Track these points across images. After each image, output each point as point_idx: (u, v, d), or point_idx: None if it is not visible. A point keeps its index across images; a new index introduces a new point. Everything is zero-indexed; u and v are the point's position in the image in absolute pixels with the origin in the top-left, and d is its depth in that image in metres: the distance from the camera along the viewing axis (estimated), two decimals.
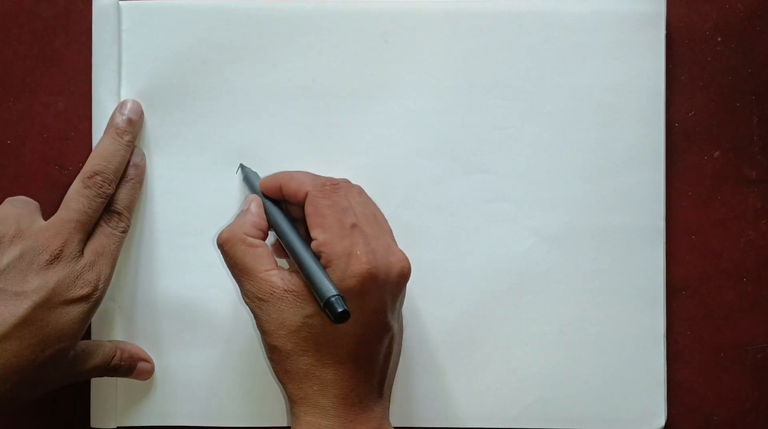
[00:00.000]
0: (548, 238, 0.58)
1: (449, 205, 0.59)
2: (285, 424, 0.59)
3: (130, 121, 0.57)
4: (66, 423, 0.60)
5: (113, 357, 0.56)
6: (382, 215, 0.54)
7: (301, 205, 0.52)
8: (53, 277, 0.51)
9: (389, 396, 0.53)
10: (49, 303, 0.50)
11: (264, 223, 0.54)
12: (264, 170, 0.58)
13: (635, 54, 0.58)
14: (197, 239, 0.58)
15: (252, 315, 0.52)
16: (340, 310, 0.47)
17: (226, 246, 0.52)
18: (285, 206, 0.55)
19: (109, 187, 0.55)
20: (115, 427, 0.59)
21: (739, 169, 0.60)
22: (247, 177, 0.57)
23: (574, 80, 0.58)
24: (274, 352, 0.51)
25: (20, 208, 0.53)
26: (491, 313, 0.59)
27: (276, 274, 0.51)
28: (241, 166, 0.58)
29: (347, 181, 0.54)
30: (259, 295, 0.50)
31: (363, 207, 0.52)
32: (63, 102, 0.60)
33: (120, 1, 0.58)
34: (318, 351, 0.50)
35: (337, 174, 0.56)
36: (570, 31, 0.58)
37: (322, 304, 0.48)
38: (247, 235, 0.52)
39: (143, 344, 0.59)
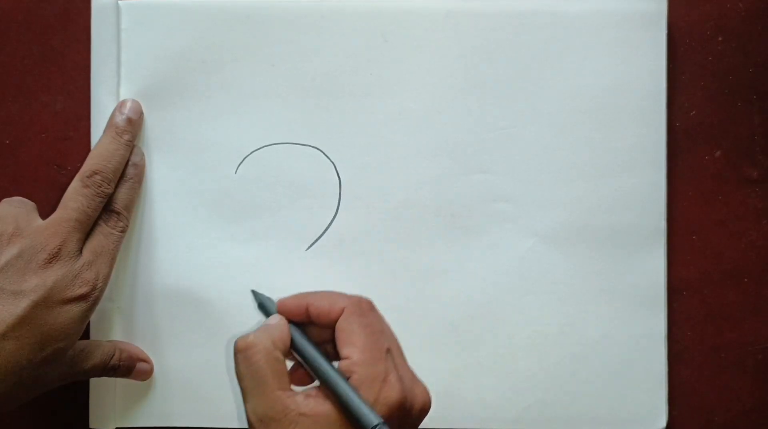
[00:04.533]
0: (548, 238, 0.58)
1: (449, 205, 0.58)
2: None
3: (129, 121, 0.57)
4: (64, 423, 0.60)
5: (112, 357, 0.56)
6: (399, 342, 0.52)
7: (329, 326, 0.50)
8: (51, 276, 0.50)
9: None
10: (47, 302, 0.50)
11: (288, 342, 0.50)
12: (267, 171, 0.58)
13: (636, 54, 0.58)
14: (196, 239, 0.58)
15: None
16: None
17: (248, 351, 0.48)
18: (306, 331, 0.52)
19: (108, 187, 0.54)
20: (113, 427, 0.59)
21: (741, 168, 0.59)
22: (263, 304, 0.54)
23: (575, 80, 0.58)
24: None
25: (18, 207, 0.53)
26: (491, 314, 0.58)
27: (291, 396, 0.47)
28: (253, 293, 0.55)
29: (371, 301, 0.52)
30: (270, 414, 0.47)
31: (390, 332, 0.51)
32: (62, 101, 0.59)
33: (119, 1, 0.58)
34: None
35: (337, 174, 0.56)
36: (570, 31, 0.58)
37: None
38: (274, 346, 0.49)
39: (142, 344, 0.58)
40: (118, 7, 0.58)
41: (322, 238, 0.58)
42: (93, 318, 0.57)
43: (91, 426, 0.59)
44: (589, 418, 0.58)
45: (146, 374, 0.58)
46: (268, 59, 0.58)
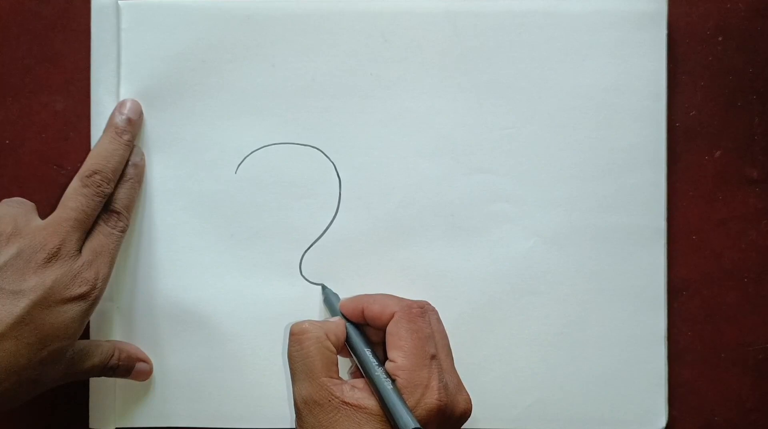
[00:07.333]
0: (548, 238, 0.58)
1: (449, 205, 0.58)
2: (283, 426, 0.58)
3: (129, 121, 0.57)
4: (64, 423, 0.60)
5: (111, 357, 0.56)
6: (450, 347, 0.54)
7: (382, 328, 0.53)
8: (51, 275, 0.50)
9: None
10: (46, 301, 0.50)
11: (342, 338, 0.53)
12: (267, 171, 0.58)
13: (636, 53, 0.58)
14: (196, 239, 0.58)
15: (297, 417, 0.51)
16: None
17: (301, 336, 0.52)
18: (364, 330, 0.55)
19: (108, 187, 0.54)
20: (113, 428, 0.59)
21: (741, 168, 0.59)
22: (328, 299, 0.57)
23: (575, 80, 0.58)
24: None
25: (17, 207, 0.53)
26: (491, 314, 0.58)
27: (337, 384, 0.50)
28: (323, 288, 0.58)
29: (428, 304, 0.54)
30: (315, 398, 0.50)
31: (441, 336, 0.53)
32: (62, 101, 0.59)
33: (119, 1, 0.58)
34: None
35: (337, 174, 0.56)
36: (571, 31, 0.58)
37: None
38: (327, 336, 0.52)
39: (142, 345, 0.58)
40: (118, 7, 0.58)
41: (322, 238, 0.58)
42: (93, 318, 0.57)
43: (91, 426, 0.59)
44: (589, 418, 0.58)
45: (146, 374, 0.58)
46: (268, 59, 0.58)
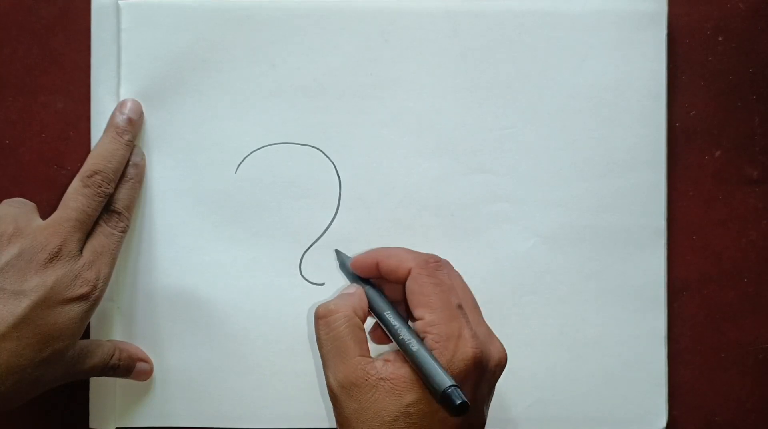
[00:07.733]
0: (548, 238, 0.58)
1: (449, 205, 0.58)
2: (284, 426, 0.58)
3: (130, 121, 0.57)
4: (64, 423, 0.60)
5: (112, 357, 0.56)
6: (475, 299, 0.53)
7: (400, 284, 0.52)
8: (52, 275, 0.50)
9: None
10: (47, 302, 0.50)
11: (366, 309, 0.52)
12: (267, 171, 0.58)
13: (636, 53, 0.58)
14: (196, 239, 0.58)
15: (335, 404, 0.49)
16: (458, 402, 0.46)
17: (329, 318, 0.50)
18: (383, 290, 0.54)
19: (109, 187, 0.54)
20: (113, 427, 0.59)
21: (741, 168, 0.59)
22: (344, 263, 0.56)
23: (575, 80, 0.58)
24: None
25: (18, 207, 0.53)
26: (491, 314, 0.58)
27: (370, 362, 0.49)
28: (337, 253, 0.58)
29: (445, 260, 0.53)
30: (352, 379, 0.48)
31: (462, 289, 0.52)
32: (62, 101, 0.59)
33: (119, 1, 0.58)
34: None
35: (337, 174, 0.56)
36: (571, 31, 0.58)
37: (438, 396, 0.46)
38: (354, 313, 0.51)
39: (142, 344, 0.58)
40: (118, 7, 0.58)
41: (322, 238, 0.58)
42: (93, 318, 0.57)
43: (91, 426, 0.59)
44: (589, 418, 0.58)
45: (146, 374, 0.58)
46: (268, 59, 0.58)
